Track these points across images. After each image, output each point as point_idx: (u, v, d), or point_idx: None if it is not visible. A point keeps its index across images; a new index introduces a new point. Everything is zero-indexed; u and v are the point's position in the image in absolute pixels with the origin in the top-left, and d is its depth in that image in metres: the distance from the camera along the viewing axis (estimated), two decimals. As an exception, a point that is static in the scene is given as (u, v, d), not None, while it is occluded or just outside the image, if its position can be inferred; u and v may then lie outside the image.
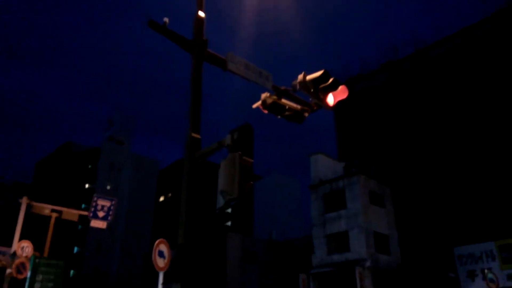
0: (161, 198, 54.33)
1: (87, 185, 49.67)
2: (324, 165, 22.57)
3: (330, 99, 5.99)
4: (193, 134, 5.78)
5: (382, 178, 22.92)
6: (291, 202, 56.19)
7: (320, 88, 5.85)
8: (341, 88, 5.95)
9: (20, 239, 11.33)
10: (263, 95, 6.03)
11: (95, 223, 11.20)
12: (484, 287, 17.15)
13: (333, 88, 5.91)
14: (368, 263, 18.51)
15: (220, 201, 5.19)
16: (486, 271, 16.53)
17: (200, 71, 5.99)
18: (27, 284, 10.05)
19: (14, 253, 11.09)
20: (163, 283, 8.00)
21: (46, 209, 11.38)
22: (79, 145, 54.59)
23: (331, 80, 5.88)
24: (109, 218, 11.41)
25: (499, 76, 22.93)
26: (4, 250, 12.62)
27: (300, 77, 5.84)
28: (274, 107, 6.02)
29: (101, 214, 11.22)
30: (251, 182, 5.20)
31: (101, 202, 11.29)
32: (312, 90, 5.80)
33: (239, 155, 5.18)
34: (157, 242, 8.13)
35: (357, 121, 28.98)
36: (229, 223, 49.52)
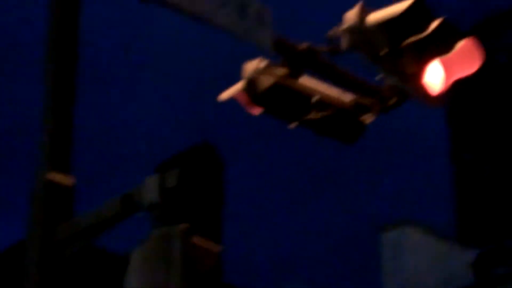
0: None
1: None
2: (420, 256, 22.78)
3: (434, 77, 5.68)
4: (52, 177, 5.67)
5: None
6: None
7: (405, 48, 5.57)
8: (465, 45, 5.63)
9: None
10: (250, 65, 5.68)
11: None
12: None
13: (442, 46, 5.61)
14: None
15: None
16: None
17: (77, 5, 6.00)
18: None
19: None
20: None
21: None
22: None
23: (436, 24, 5.51)
24: None
25: None
26: None
27: (352, 15, 5.51)
28: (279, 99, 5.74)
29: None
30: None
31: None
32: (384, 53, 5.54)
33: (181, 233, 5.25)
34: None
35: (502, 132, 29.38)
36: None
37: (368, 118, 5.95)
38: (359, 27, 5.51)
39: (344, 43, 5.55)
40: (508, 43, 31.18)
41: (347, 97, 5.89)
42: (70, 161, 5.83)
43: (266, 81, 5.65)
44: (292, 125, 5.82)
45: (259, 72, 5.65)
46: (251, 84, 5.66)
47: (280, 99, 5.72)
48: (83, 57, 6.50)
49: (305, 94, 5.77)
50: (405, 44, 5.54)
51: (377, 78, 5.80)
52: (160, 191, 5.34)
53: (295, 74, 5.70)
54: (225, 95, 5.74)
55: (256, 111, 5.71)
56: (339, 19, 5.71)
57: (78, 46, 6.15)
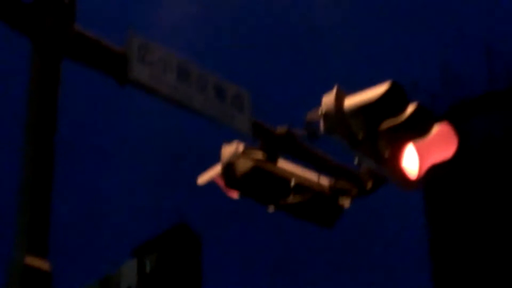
0: None
1: None
2: None
3: (411, 162, 5.61)
4: (29, 261, 5.09)
5: None
6: None
7: (381, 132, 5.50)
8: (440, 130, 5.60)
9: None
10: (228, 149, 5.65)
11: None
12: None
13: (418, 130, 5.53)
14: None
15: None
16: None
17: (57, 84, 5.29)
18: None
19: None
20: None
21: None
22: None
23: (411, 108, 5.43)
24: None
25: None
26: None
27: (329, 100, 5.43)
28: (257, 183, 5.70)
29: None
30: None
31: None
32: (361, 137, 5.46)
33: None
34: None
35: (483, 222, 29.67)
36: None
37: (346, 202, 5.94)
38: (336, 112, 5.44)
39: (321, 127, 5.50)
40: (481, 128, 31.91)
41: (324, 181, 5.88)
42: (47, 245, 5.31)
43: (244, 165, 5.62)
44: (271, 209, 5.80)
45: (236, 156, 5.63)
46: (229, 168, 5.63)
47: (259, 183, 5.70)
48: (61, 138, 6.40)
49: (283, 178, 5.75)
50: (382, 129, 5.49)
51: (355, 162, 5.74)
52: (138, 276, 5.12)
53: (273, 158, 5.69)
54: (203, 179, 5.70)
55: (235, 194, 5.69)
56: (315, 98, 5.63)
57: (57, 127, 5.91)
